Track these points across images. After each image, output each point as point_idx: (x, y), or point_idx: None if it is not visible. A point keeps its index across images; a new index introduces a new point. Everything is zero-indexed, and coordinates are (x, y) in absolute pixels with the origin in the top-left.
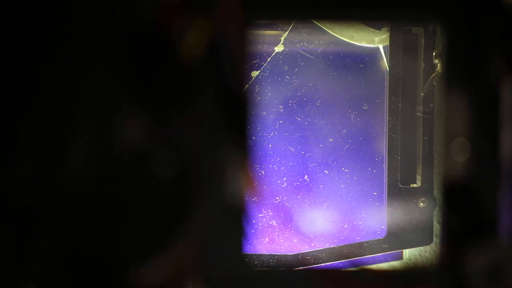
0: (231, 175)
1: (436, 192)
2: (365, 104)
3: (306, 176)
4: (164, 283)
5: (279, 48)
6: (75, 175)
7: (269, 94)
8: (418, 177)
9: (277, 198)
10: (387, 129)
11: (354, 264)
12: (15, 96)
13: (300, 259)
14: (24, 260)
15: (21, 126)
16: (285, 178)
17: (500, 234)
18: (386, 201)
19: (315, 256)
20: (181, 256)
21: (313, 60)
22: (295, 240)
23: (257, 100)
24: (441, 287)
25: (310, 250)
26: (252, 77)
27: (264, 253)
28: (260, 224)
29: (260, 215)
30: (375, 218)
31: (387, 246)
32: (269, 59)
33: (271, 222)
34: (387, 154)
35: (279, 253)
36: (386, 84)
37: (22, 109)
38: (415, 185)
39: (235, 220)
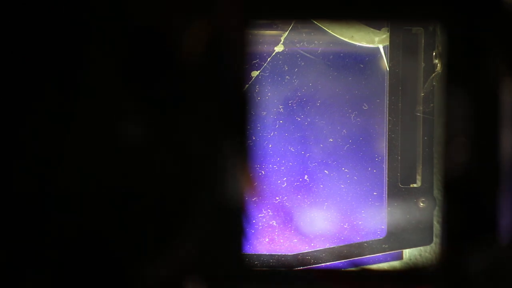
0: (231, 175)
1: (436, 192)
2: (365, 104)
3: (306, 176)
4: (165, 283)
5: (279, 48)
6: (74, 176)
7: (269, 94)
8: (418, 177)
9: (277, 198)
10: (387, 129)
11: (354, 264)
12: (15, 96)
13: (300, 259)
14: (24, 260)
15: (23, 126)
16: (285, 178)
17: (500, 234)
18: (386, 201)
19: (315, 256)
20: (181, 256)
21: (313, 60)
22: (295, 240)
23: (257, 100)
24: (441, 287)
25: (310, 250)
26: (252, 77)
27: (264, 253)
28: (260, 224)
29: (260, 215)
30: (375, 218)
31: (387, 246)
32: (269, 59)
33: (271, 222)
34: (387, 154)
35: (279, 253)
36: (386, 84)
37: (23, 110)
38: (415, 185)
39: (235, 220)
